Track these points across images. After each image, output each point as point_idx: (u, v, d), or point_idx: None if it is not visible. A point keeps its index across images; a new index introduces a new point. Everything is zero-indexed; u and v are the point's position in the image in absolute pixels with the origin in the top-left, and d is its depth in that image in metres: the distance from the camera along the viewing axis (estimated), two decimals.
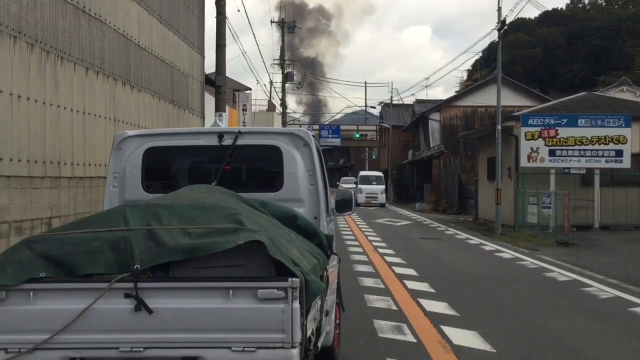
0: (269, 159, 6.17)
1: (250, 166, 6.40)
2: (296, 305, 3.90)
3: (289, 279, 3.92)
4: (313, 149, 6.14)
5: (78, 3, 13.54)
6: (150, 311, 3.90)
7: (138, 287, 3.92)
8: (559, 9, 78.53)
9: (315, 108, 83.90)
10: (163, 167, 6.46)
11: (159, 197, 5.35)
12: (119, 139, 6.28)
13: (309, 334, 4.23)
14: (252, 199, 5.33)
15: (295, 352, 3.90)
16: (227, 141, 6.14)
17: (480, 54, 57.00)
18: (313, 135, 6.39)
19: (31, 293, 3.95)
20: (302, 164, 6.08)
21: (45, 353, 3.91)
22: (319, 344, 5.01)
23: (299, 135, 6.17)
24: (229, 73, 23.53)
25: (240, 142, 6.13)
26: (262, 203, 5.32)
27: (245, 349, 3.89)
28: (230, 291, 3.92)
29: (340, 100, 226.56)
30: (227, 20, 21.24)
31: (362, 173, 49.18)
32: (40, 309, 3.93)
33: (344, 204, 7.00)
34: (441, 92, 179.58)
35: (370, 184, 45.05)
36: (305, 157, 6.10)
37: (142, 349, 3.91)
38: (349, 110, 78.59)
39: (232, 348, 3.90)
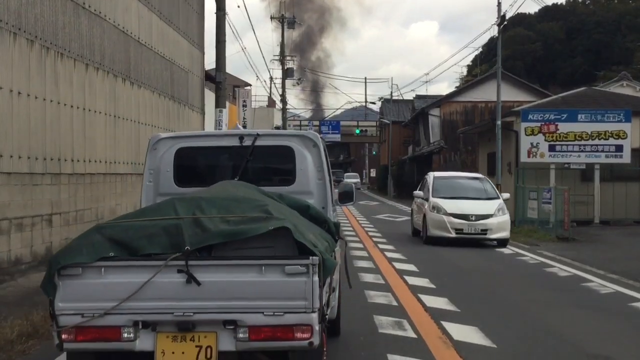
0: (283, 158, 6.99)
1: (267, 164, 7.22)
2: (315, 278, 4.70)
3: (310, 258, 4.72)
4: (321, 149, 6.99)
5: None
6: (198, 283, 4.69)
7: (189, 264, 4.70)
8: (558, 3, 78.47)
9: (317, 104, 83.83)
10: (192, 165, 7.24)
11: (197, 190, 6.07)
12: (154, 140, 7.14)
13: (324, 302, 4.99)
14: (270, 192, 6.11)
15: (315, 316, 4.71)
16: (247, 142, 6.97)
17: (480, 49, 57.00)
18: (321, 137, 7.22)
19: (102, 269, 4.76)
20: (312, 162, 6.94)
21: (113, 317, 4.70)
22: (327, 316, 5.60)
23: (309, 137, 7.05)
24: (229, 69, 23.55)
25: (258, 143, 6.96)
26: (279, 195, 6.10)
27: (275, 313, 4.69)
28: (263, 267, 4.73)
29: (341, 96, 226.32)
30: (227, 17, 21.22)
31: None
32: (109, 282, 4.73)
33: (346, 196, 8.03)
34: (445, 88, 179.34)
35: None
36: (314, 155, 6.95)
37: (191, 314, 4.71)
38: (349, 106, 78.51)
39: (264, 313, 4.69)
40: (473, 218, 17.22)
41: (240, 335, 4.72)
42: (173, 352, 4.74)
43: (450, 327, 8.18)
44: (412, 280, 11.70)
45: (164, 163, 7.01)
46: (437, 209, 17.53)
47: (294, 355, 4.92)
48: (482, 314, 9.09)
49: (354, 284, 9.15)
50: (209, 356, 4.73)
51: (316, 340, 4.74)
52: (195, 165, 7.28)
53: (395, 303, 9.72)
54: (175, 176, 6.99)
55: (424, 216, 17.99)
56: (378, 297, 10.08)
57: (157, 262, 4.74)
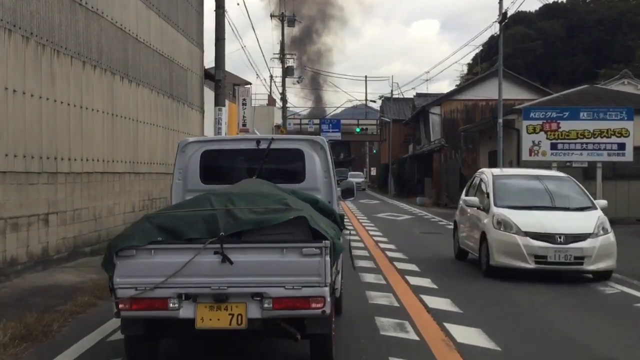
0: (295, 159, 8.03)
1: (281, 164, 8.18)
2: (327, 258, 5.73)
3: (323, 241, 5.75)
4: (327, 151, 8.05)
5: None
6: (231, 263, 5.71)
7: (223, 247, 5.72)
8: (559, 2, 78.25)
9: (317, 101, 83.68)
10: (215, 165, 8.21)
11: (227, 187, 7.07)
12: (183, 144, 8.17)
13: (333, 279, 6.02)
14: (284, 188, 7.18)
15: (327, 289, 5.73)
16: (263, 146, 8.00)
17: (481, 48, 56.90)
18: (328, 141, 8.30)
19: (152, 251, 5.79)
20: (319, 162, 7.99)
21: (161, 290, 5.72)
22: (336, 289, 6.52)
23: (316, 141, 8.10)
24: (229, 68, 23.44)
25: (273, 146, 7.99)
26: (292, 191, 7.16)
27: (294, 287, 5.70)
28: (284, 249, 5.76)
29: (342, 95, 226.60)
30: (226, 15, 21.07)
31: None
32: (158, 262, 5.77)
33: (348, 192, 9.06)
34: (445, 86, 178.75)
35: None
36: (321, 157, 8.01)
37: (225, 288, 5.74)
38: (350, 105, 78.35)
39: (285, 287, 5.71)
40: (561, 239, 11.58)
41: (266, 305, 5.73)
42: (210, 319, 5.78)
43: (453, 329, 8.04)
44: (414, 281, 11.55)
45: (191, 163, 8.04)
46: (504, 225, 12.00)
47: (309, 322, 5.93)
48: (485, 316, 8.95)
49: (354, 284, 9.00)
50: (239, 322, 5.77)
51: (328, 310, 5.76)
52: (218, 165, 8.25)
53: (396, 304, 9.58)
54: (201, 175, 8.03)
55: (483, 235, 12.37)
56: (379, 298, 9.94)
57: (197, 245, 5.76)
